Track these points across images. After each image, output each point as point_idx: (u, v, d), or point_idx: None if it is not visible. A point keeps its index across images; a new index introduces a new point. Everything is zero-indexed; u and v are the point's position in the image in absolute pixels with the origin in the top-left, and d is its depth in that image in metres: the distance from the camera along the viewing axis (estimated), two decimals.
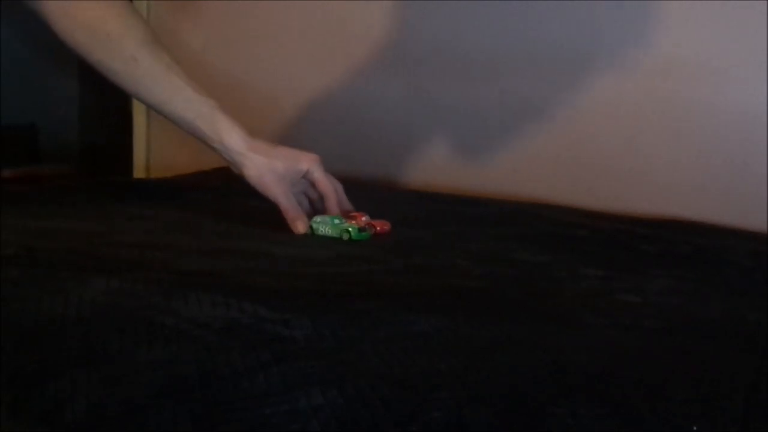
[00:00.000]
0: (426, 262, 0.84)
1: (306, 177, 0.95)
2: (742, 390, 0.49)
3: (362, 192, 1.27)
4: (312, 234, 0.91)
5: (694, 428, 0.44)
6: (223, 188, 1.31)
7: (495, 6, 1.40)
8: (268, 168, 0.93)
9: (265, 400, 0.43)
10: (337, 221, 0.90)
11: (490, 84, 1.42)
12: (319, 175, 0.94)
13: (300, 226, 0.91)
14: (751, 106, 1.19)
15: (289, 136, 1.50)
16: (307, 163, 0.94)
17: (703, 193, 1.24)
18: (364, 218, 0.92)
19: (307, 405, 0.42)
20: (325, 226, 0.90)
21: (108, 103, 2.94)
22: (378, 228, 0.92)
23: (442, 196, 1.28)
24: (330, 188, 0.95)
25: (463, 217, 0.98)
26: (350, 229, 0.88)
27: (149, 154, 1.96)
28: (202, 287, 0.60)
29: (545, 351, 0.54)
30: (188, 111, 0.95)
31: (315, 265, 0.79)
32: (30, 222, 0.89)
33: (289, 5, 1.63)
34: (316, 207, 0.98)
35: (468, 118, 1.45)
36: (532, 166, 1.39)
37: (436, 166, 1.47)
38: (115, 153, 2.36)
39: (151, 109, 0.97)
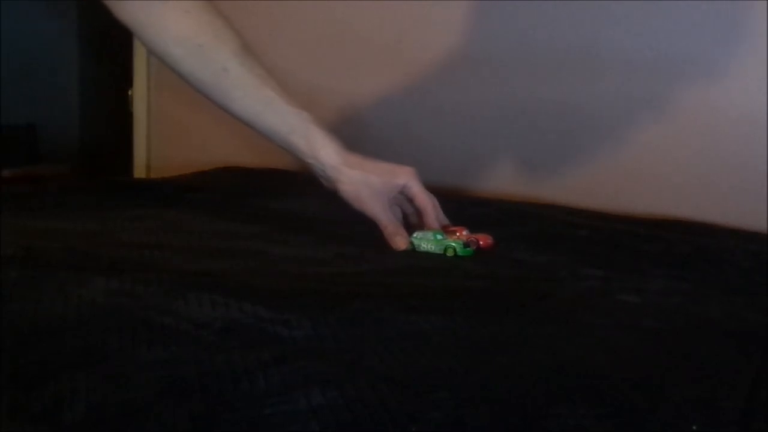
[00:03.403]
0: (426, 262, 0.84)
1: (403, 191, 0.92)
2: (742, 390, 0.49)
3: None
4: (413, 250, 0.88)
5: (694, 428, 0.44)
6: (223, 188, 1.31)
7: (496, 6, 1.40)
8: (365, 183, 0.89)
9: (265, 400, 0.43)
10: (439, 237, 0.87)
11: (491, 85, 1.42)
12: (417, 190, 0.91)
13: (400, 242, 0.88)
14: (751, 106, 1.19)
15: None
16: (405, 177, 0.91)
17: (703, 193, 1.24)
18: (465, 232, 0.89)
19: (307, 405, 0.42)
20: (427, 242, 0.87)
21: (108, 103, 2.94)
22: (481, 243, 0.88)
23: (441, 196, 1.28)
24: (429, 203, 0.91)
25: (464, 217, 0.98)
26: (455, 245, 0.85)
27: (149, 154, 1.96)
28: (202, 287, 0.60)
29: (545, 351, 0.54)
30: (281, 125, 0.91)
31: (315, 265, 0.79)
32: (30, 222, 0.89)
33: (289, 5, 1.63)
34: (410, 221, 0.94)
35: (469, 118, 1.45)
36: (531, 166, 1.39)
37: (437, 167, 1.47)
38: (115, 153, 2.37)
39: (242, 122, 0.93)
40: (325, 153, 0.90)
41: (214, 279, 0.67)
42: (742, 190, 1.21)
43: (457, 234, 0.89)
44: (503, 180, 1.41)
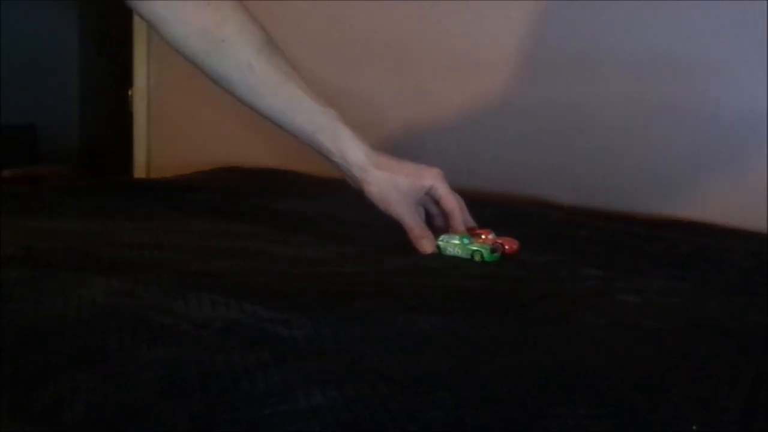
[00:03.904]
0: (426, 262, 0.84)
1: (429, 193, 0.90)
2: (742, 390, 0.49)
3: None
4: (440, 254, 0.86)
5: (694, 428, 0.44)
6: (223, 188, 1.31)
7: (495, 7, 1.40)
8: (392, 185, 0.87)
9: (265, 400, 0.43)
10: (466, 241, 0.85)
11: (490, 84, 1.42)
12: (444, 192, 0.89)
13: (427, 245, 0.86)
14: (751, 106, 1.19)
15: None
16: (431, 178, 0.89)
17: (703, 193, 1.24)
18: (490, 236, 0.88)
19: (307, 405, 0.42)
20: (454, 247, 0.86)
21: (108, 103, 2.95)
22: (507, 247, 0.87)
23: None
24: (456, 205, 0.89)
25: None
26: (482, 250, 0.84)
27: (149, 154, 1.96)
28: (202, 287, 0.60)
29: (545, 351, 0.54)
30: (308, 123, 0.88)
31: (315, 265, 0.79)
32: (30, 222, 0.89)
33: (289, 5, 1.63)
34: (436, 223, 0.92)
35: (467, 117, 1.45)
36: (533, 167, 1.39)
37: (435, 166, 1.47)
38: (115, 153, 2.37)
39: (267, 119, 0.90)
40: (353, 153, 0.88)
41: (214, 279, 0.67)
42: (742, 190, 1.21)
43: (483, 237, 0.87)
44: (503, 180, 1.41)
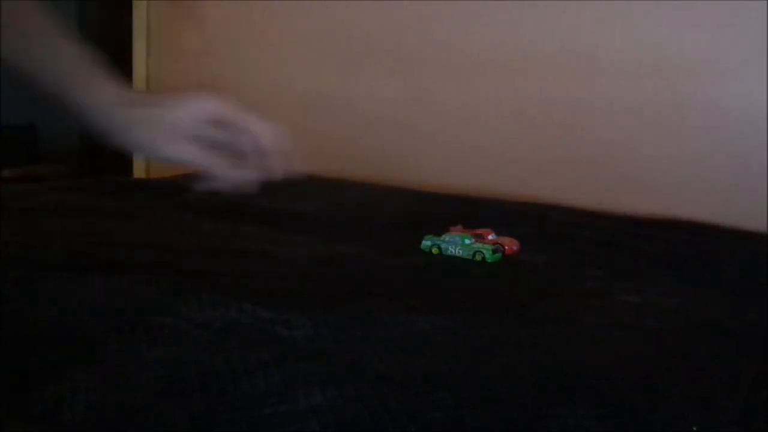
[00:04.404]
0: (426, 262, 0.84)
1: (212, 121, 0.68)
2: (742, 390, 0.49)
3: (361, 190, 1.27)
4: (440, 254, 0.86)
5: (694, 429, 0.44)
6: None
7: (494, 7, 1.40)
8: (158, 122, 0.67)
9: (265, 400, 0.43)
10: (467, 241, 0.85)
11: (490, 85, 1.42)
12: (228, 109, 0.68)
13: (233, 176, 0.68)
14: (751, 106, 1.19)
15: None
16: (205, 101, 0.68)
17: (703, 193, 1.24)
18: (491, 236, 0.88)
19: (307, 405, 0.42)
20: (455, 247, 0.86)
21: None
22: (507, 247, 0.87)
23: (441, 196, 1.28)
24: (248, 121, 0.68)
25: (464, 218, 0.98)
26: (484, 251, 0.84)
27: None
28: (202, 287, 0.60)
29: (545, 351, 0.54)
30: (49, 63, 0.68)
31: (315, 265, 0.79)
32: (30, 222, 0.89)
33: (289, 5, 1.63)
34: (228, 148, 0.68)
35: (467, 118, 1.45)
36: (532, 167, 1.39)
37: (435, 166, 1.47)
38: (115, 153, 2.37)
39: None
40: (98, 93, 0.69)
41: (214, 279, 0.67)
42: (742, 190, 1.21)
43: (483, 237, 0.87)
44: (503, 180, 1.41)
